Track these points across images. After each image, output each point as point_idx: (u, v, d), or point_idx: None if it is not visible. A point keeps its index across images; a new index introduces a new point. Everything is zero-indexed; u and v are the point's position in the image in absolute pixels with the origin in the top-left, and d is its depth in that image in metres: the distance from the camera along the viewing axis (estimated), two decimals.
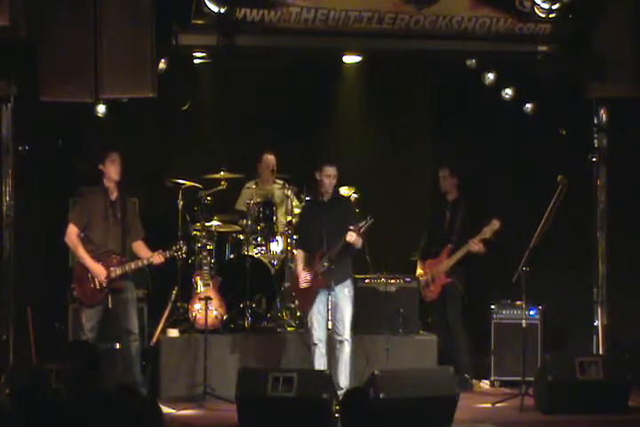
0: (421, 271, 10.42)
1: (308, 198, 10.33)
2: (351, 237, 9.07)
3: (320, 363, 9.18)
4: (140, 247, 9.34)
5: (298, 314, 10.14)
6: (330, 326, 9.06)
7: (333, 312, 9.04)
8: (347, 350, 9.15)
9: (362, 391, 8.12)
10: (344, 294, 9.21)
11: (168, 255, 9.24)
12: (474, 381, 10.23)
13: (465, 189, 10.48)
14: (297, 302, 9.59)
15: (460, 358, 10.10)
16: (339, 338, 9.12)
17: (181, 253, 9.38)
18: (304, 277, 9.24)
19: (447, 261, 10.19)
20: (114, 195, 9.31)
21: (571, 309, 10.67)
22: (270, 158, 11.06)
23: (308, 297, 9.26)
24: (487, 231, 9.96)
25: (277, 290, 10.38)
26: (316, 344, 9.19)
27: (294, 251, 9.93)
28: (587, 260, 10.67)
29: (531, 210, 10.02)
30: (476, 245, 10.01)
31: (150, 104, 9.45)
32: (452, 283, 10.17)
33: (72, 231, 9.27)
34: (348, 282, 9.36)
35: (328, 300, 9.20)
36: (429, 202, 11.84)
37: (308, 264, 9.32)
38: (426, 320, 10.68)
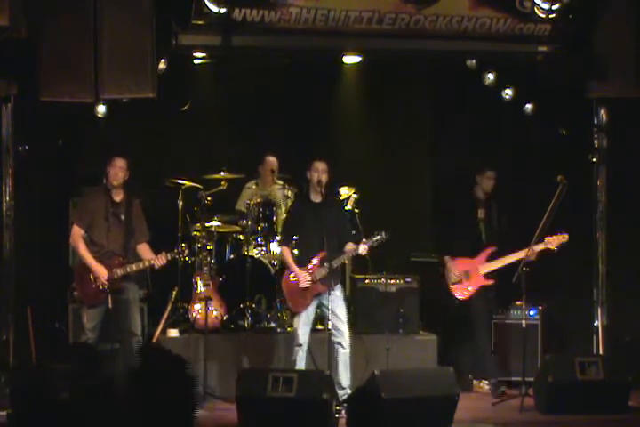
0: (452, 268, 10.02)
1: (297, 194, 10.30)
2: (364, 250, 9.08)
3: (301, 365, 9.19)
4: (144, 250, 9.32)
5: None
6: (330, 327, 9.04)
7: (332, 314, 9.02)
8: (347, 350, 9.15)
9: (370, 391, 8.17)
10: (339, 295, 9.21)
11: (170, 258, 9.24)
12: (474, 381, 10.23)
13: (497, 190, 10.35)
14: (289, 301, 9.45)
15: (479, 360, 10.02)
16: (338, 339, 9.10)
17: (183, 256, 9.38)
18: (304, 277, 9.21)
19: (494, 263, 9.85)
20: (119, 196, 9.30)
21: (571, 309, 10.68)
22: (272, 160, 11.08)
23: (302, 298, 9.24)
24: (554, 242, 9.60)
25: (277, 290, 10.36)
26: (300, 345, 9.18)
27: (281, 248, 9.72)
28: (587, 260, 10.67)
29: (531, 210, 10.02)
30: (533, 256, 9.60)
31: (150, 104, 9.44)
32: (490, 285, 9.92)
33: (75, 232, 9.28)
34: (340, 283, 9.37)
35: (320, 303, 9.21)
36: (429, 202, 11.86)
37: (300, 263, 9.29)
38: (428, 319, 10.61)
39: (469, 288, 9.97)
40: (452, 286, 10.00)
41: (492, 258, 9.91)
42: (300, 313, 9.23)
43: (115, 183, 9.23)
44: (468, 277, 9.97)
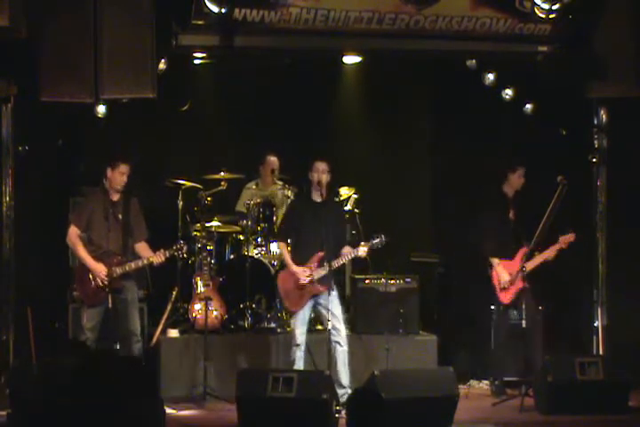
0: (503, 273, 9.76)
1: (298, 193, 10.30)
2: (363, 252, 9.08)
3: (300, 365, 9.18)
4: (142, 248, 9.33)
5: None
6: (329, 327, 9.03)
7: (330, 313, 9.01)
8: (345, 348, 9.14)
9: (370, 391, 8.17)
10: (334, 294, 9.19)
11: (168, 255, 9.24)
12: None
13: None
14: (285, 300, 9.42)
15: (488, 360, 10.02)
16: (336, 337, 9.09)
17: (182, 253, 9.39)
18: (303, 274, 9.17)
19: (529, 264, 9.64)
20: (116, 196, 9.32)
21: (571, 309, 10.67)
22: (273, 160, 11.08)
23: (299, 297, 9.23)
24: (564, 242, 9.60)
25: (277, 290, 10.35)
26: (298, 345, 9.18)
27: (278, 244, 9.69)
28: (587, 260, 10.67)
29: (531, 210, 10.00)
30: (553, 253, 9.65)
31: (150, 104, 9.44)
32: (527, 288, 9.63)
33: (72, 232, 9.29)
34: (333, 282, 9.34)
35: (316, 302, 9.20)
36: (429, 202, 11.85)
37: (297, 261, 9.26)
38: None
39: (513, 292, 9.76)
40: (500, 292, 9.79)
41: (526, 259, 9.72)
42: (297, 312, 9.22)
43: (118, 188, 9.26)
44: (512, 281, 9.75)
